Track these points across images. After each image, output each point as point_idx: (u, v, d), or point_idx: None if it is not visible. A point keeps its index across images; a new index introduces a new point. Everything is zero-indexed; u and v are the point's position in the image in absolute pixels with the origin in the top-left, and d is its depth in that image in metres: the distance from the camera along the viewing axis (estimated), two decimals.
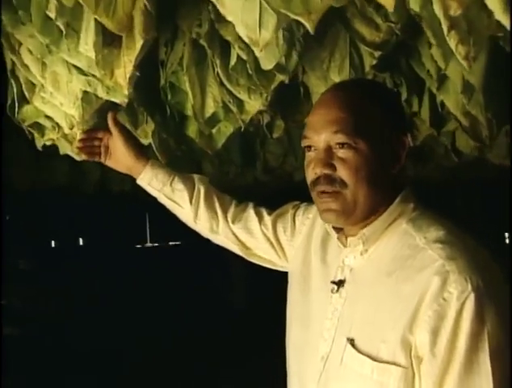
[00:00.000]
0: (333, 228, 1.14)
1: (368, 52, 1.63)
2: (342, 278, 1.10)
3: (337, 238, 1.13)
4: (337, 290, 1.10)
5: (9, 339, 6.04)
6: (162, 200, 1.44)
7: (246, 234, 1.41)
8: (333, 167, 1.03)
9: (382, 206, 1.06)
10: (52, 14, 1.17)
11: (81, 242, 11.31)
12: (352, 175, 1.02)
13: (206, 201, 1.43)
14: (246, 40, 0.95)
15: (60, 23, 1.18)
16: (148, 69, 1.77)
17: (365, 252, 1.07)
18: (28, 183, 4.43)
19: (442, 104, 1.92)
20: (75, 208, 8.73)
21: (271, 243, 1.38)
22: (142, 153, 1.45)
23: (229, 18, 0.95)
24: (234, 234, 1.42)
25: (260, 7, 0.90)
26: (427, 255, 0.97)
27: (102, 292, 7.43)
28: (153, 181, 1.41)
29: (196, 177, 1.47)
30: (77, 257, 9.66)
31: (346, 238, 1.11)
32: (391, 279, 1.00)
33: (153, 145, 1.92)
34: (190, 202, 1.42)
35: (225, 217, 1.43)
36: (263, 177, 4.56)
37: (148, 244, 12.12)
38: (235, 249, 1.45)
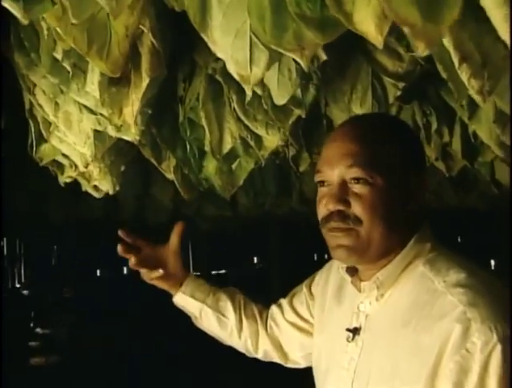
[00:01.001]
0: (347, 272, 1.08)
1: (392, 83, 1.56)
2: (358, 325, 1.03)
3: (352, 283, 1.06)
4: (353, 338, 1.03)
5: (53, 367, 6.13)
6: (204, 314, 1.37)
7: (276, 332, 1.37)
8: (348, 203, 0.96)
9: (397, 247, 0.98)
10: (59, 56, 1.17)
11: (125, 271, 11.49)
12: (368, 212, 0.94)
13: (246, 309, 1.39)
14: (237, 78, 0.91)
15: (66, 64, 1.18)
16: (169, 104, 1.76)
17: (381, 297, 0.99)
18: (68, 216, 4.53)
19: (476, 134, 1.81)
20: (116, 239, 8.89)
21: (299, 327, 1.33)
22: (185, 270, 1.39)
23: (220, 56, 0.91)
24: (269, 336, 1.38)
25: (250, 44, 0.86)
26: (447, 300, 0.88)
27: (145, 319, 7.46)
28: (196, 292, 1.36)
29: (230, 288, 1.44)
30: (122, 285, 9.81)
31: (361, 282, 1.04)
32: (408, 328, 0.92)
33: (176, 181, 1.90)
34: (235, 311, 1.37)
35: (262, 324, 1.39)
36: (300, 207, 4.49)
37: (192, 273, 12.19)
38: (275, 356, 1.39)
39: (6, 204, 3.81)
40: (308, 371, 1.25)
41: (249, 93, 0.90)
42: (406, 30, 0.59)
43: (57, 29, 0.85)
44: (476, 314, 0.84)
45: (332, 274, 1.21)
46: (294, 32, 0.75)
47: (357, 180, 0.95)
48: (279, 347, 1.37)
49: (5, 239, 7.29)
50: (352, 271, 1.07)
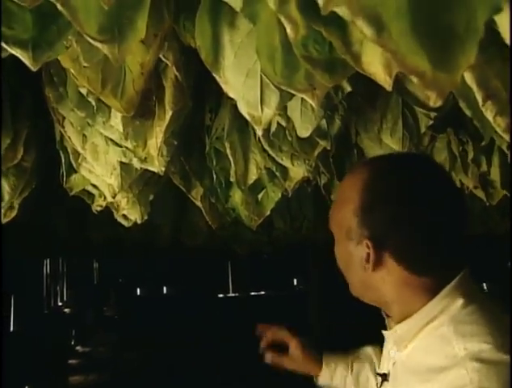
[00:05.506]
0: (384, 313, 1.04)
1: (423, 112, 1.52)
2: (386, 371, 1.00)
3: (387, 324, 1.03)
4: (381, 384, 1.00)
5: (92, 386, 6.19)
6: None
7: None
8: None
9: (415, 300, 0.91)
10: (84, 91, 1.19)
11: (165, 291, 11.61)
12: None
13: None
14: (248, 118, 0.89)
15: (91, 99, 1.20)
16: (197, 134, 1.77)
17: (404, 348, 0.94)
18: (108, 236, 4.63)
19: None
20: (155, 260, 9.00)
21: None
22: (315, 353, 1.41)
23: (231, 95, 0.90)
24: None
25: (261, 84, 0.85)
26: (460, 374, 0.81)
27: (184, 338, 7.48)
28: (333, 378, 1.39)
29: (371, 351, 1.39)
30: (161, 305, 9.90)
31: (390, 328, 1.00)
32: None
33: (203, 210, 1.90)
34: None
35: None
36: None
37: (231, 294, 12.21)
38: None
39: (49, 225, 3.92)
40: None
41: (259, 134, 0.88)
42: (414, 80, 0.55)
43: (71, 70, 0.87)
44: None
45: None
46: (305, 72, 0.73)
47: None
48: None
49: (48, 259, 7.49)
50: (386, 314, 1.03)
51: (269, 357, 1.41)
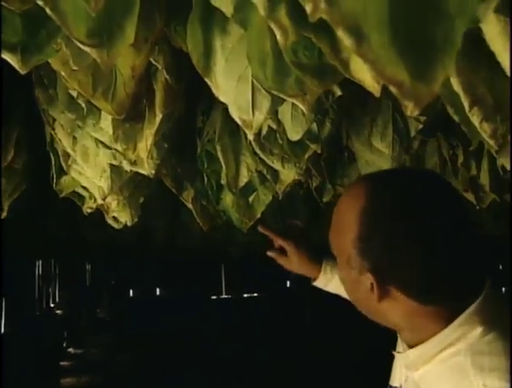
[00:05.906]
0: None
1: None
2: (398, 385, 0.97)
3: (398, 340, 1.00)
4: None
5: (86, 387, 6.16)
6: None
7: None
8: None
9: (428, 324, 0.85)
10: (74, 93, 1.19)
11: (158, 292, 11.59)
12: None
13: None
14: (239, 123, 0.90)
15: (81, 101, 1.20)
16: (189, 136, 1.77)
17: (416, 370, 0.90)
18: (101, 239, 4.62)
19: (504, 167, 1.74)
20: (148, 261, 9.00)
21: None
22: (315, 258, 1.43)
23: (222, 100, 0.90)
24: None
25: (252, 89, 0.85)
26: None
27: (177, 340, 7.47)
28: (328, 285, 1.43)
29: None
30: (154, 306, 9.90)
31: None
32: None
33: (194, 212, 1.90)
34: None
35: None
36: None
37: (224, 296, 12.20)
38: None
39: (41, 226, 3.91)
40: None
41: (250, 138, 0.89)
42: (393, 89, 0.55)
43: (62, 73, 0.87)
44: None
45: None
46: (296, 78, 0.74)
47: None
48: None
49: (40, 260, 7.46)
50: None
51: (270, 253, 1.44)
